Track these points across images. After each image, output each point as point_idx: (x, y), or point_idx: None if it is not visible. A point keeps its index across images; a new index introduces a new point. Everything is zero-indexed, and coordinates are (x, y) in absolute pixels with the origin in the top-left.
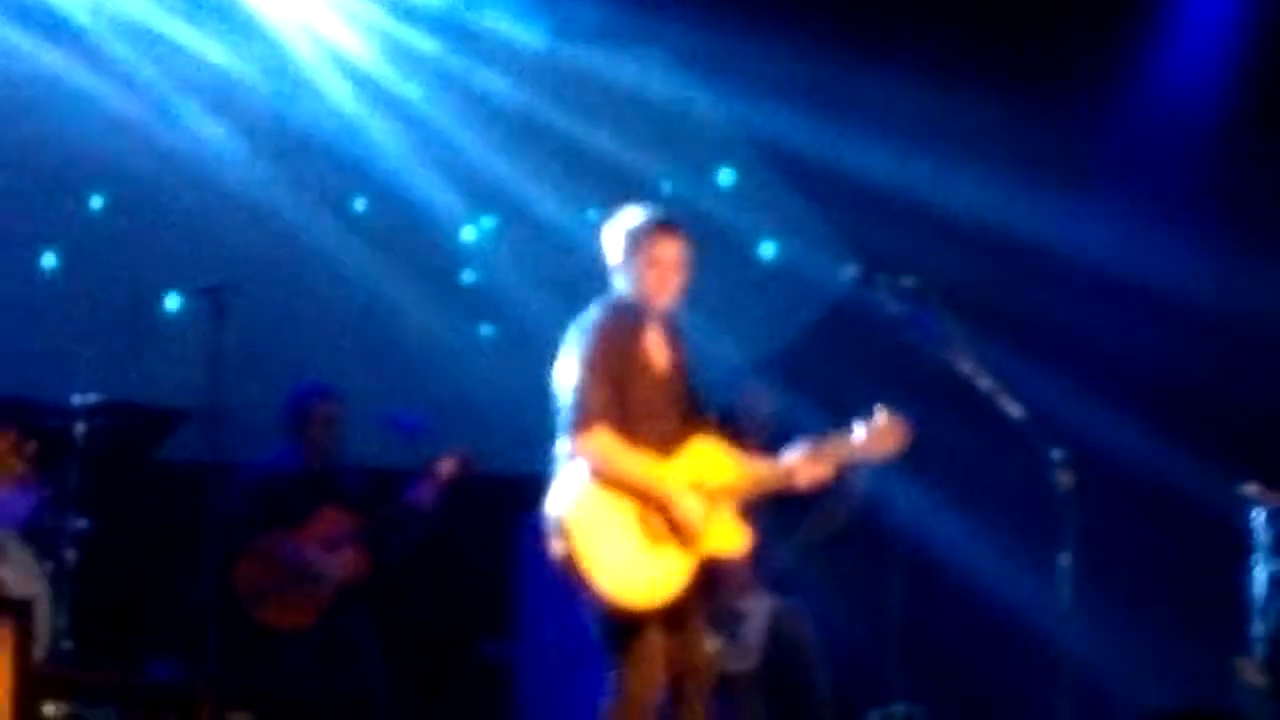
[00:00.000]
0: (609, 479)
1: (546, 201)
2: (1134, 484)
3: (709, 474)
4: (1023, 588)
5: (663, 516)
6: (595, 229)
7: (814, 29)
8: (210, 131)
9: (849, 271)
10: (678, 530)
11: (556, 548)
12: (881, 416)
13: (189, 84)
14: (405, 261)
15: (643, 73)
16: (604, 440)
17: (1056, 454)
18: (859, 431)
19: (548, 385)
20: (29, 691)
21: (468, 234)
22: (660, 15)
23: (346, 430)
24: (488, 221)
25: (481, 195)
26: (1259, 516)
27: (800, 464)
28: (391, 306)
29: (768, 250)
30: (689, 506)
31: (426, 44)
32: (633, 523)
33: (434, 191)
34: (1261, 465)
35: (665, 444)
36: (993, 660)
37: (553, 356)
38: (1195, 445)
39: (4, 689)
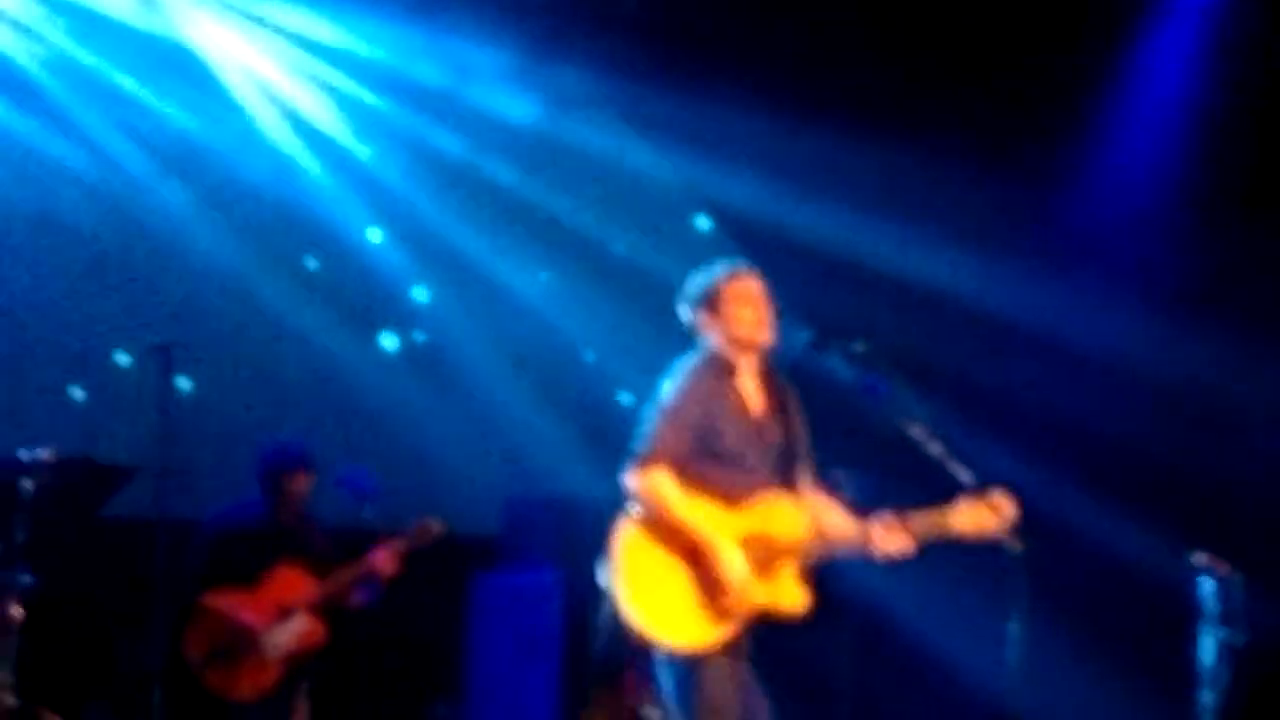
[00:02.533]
0: (658, 519)
1: (499, 262)
2: (1085, 552)
3: (776, 528)
4: (973, 655)
5: (711, 570)
6: (546, 290)
7: (770, 95)
8: (164, 187)
9: (801, 336)
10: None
11: (606, 580)
12: (990, 497)
13: (144, 140)
14: (357, 320)
15: (596, 136)
16: (658, 480)
17: (983, 497)
18: (958, 510)
19: (496, 446)
20: None
21: (419, 294)
22: (614, 80)
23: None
24: (440, 282)
25: (434, 256)
26: (1207, 585)
27: (878, 531)
28: (342, 365)
29: None
30: (728, 560)
31: (382, 105)
32: (685, 570)
33: (386, 251)
34: (1211, 534)
35: (750, 487)
36: None
37: (502, 418)
38: (1146, 514)
39: None
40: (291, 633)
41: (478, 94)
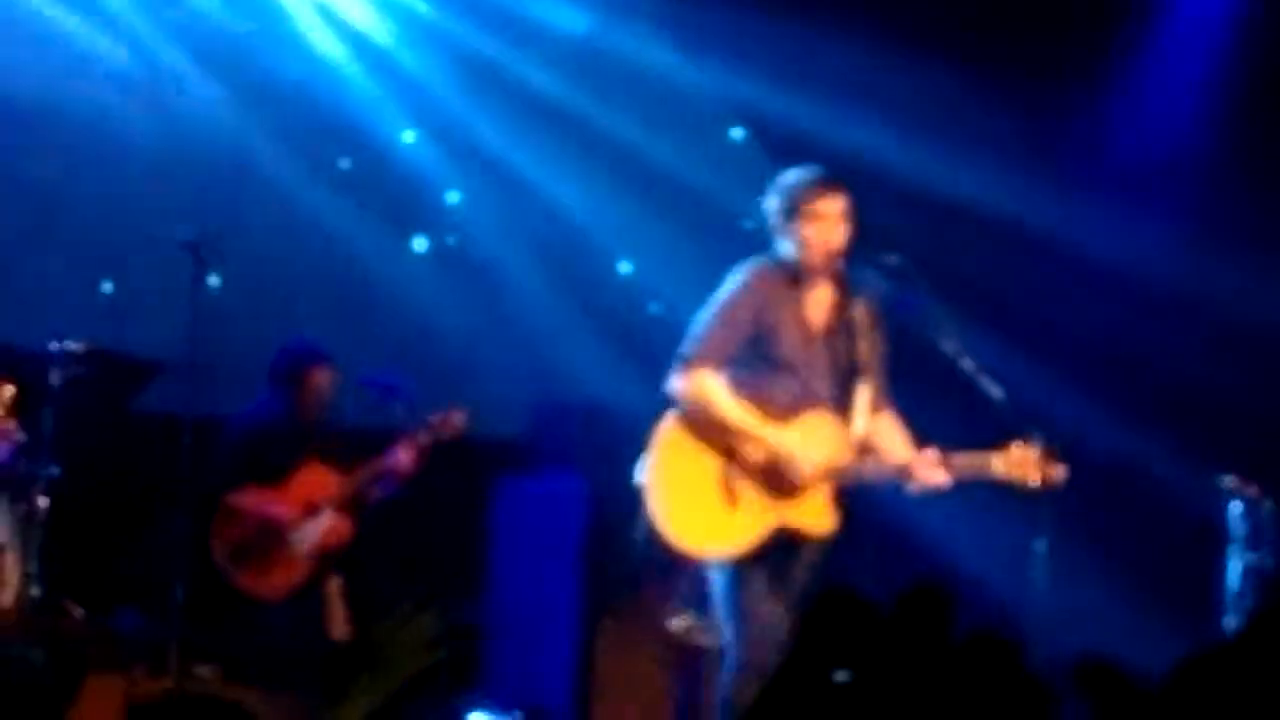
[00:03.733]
0: (700, 420)
1: (535, 170)
2: (1112, 473)
3: (816, 449)
4: (999, 573)
5: (747, 474)
6: (583, 199)
7: (809, 13)
8: (198, 83)
9: None
10: (767, 482)
11: (641, 477)
12: (1031, 449)
13: (178, 34)
14: (389, 222)
15: (639, 48)
16: (703, 378)
17: (1036, 438)
18: (1003, 456)
19: (525, 351)
20: None
21: (453, 198)
22: None
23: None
24: (475, 187)
25: (469, 161)
26: (1236, 509)
27: (918, 464)
28: (373, 266)
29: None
30: (779, 441)
31: (420, 6)
32: (712, 475)
33: (420, 154)
34: (1242, 458)
35: (804, 401)
36: None
37: (532, 324)
38: (1174, 436)
39: None
40: (319, 529)
41: (527, 2)
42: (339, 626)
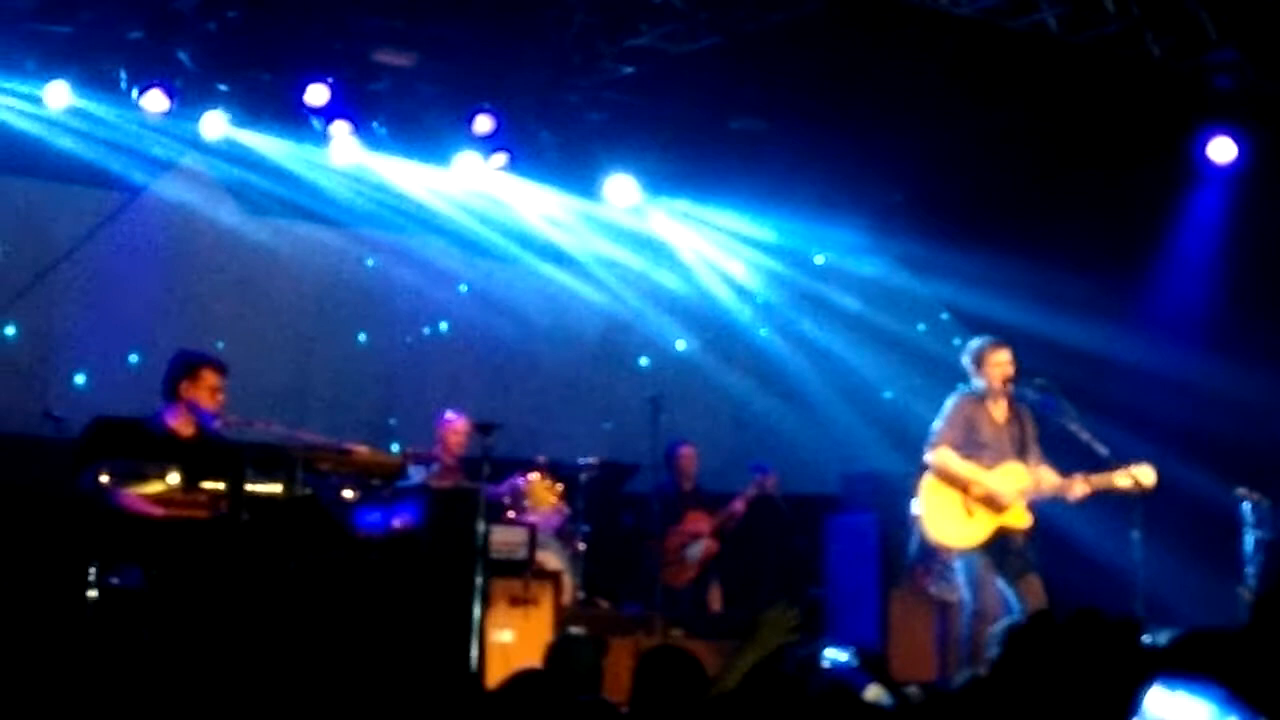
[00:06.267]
0: (945, 475)
1: (838, 345)
2: (1172, 489)
3: (1012, 482)
4: (1112, 550)
5: (976, 501)
6: (862, 358)
7: (983, 245)
8: (653, 315)
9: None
10: (988, 504)
11: (914, 509)
12: (1138, 468)
13: (633, 285)
14: (755, 378)
15: (898, 275)
16: (944, 453)
17: (1134, 468)
18: (1118, 473)
19: (839, 444)
20: (561, 621)
21: (794, 366)
22: (909, 244)
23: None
24: (806, 358)
25: (801, 345)
26: (1246, 505)
27: (1072, 484)
28: (751, 404)
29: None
30: (995, 483)
31: (774, 263)
32: (957, 502)
33: (771, 342)
34: (1245, 476)
35: (999, 460)
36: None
37: (841, 428)
38: (1208, 466)
39: (547, 621)
40: (699, 549)
41: (840, 262)
42: (715, 602)
